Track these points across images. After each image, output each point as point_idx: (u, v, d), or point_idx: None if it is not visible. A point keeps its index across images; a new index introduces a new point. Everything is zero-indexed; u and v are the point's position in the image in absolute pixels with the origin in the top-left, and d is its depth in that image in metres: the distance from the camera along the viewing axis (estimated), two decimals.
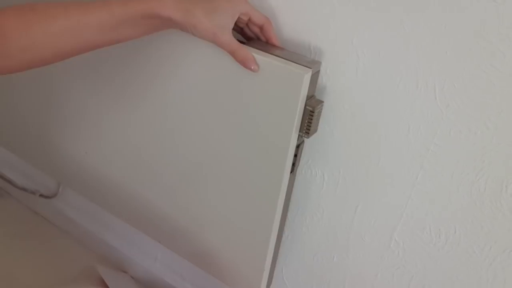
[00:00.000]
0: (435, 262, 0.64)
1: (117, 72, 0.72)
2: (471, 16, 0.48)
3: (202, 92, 0.62)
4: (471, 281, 0.62)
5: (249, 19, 0.56)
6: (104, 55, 0.71)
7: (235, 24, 0.54)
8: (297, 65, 0.53)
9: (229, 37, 0.53)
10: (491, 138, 0.52)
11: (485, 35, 0.48)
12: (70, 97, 0.82)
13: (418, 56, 0.53)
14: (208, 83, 0.61)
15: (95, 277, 1.06)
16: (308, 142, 0.66)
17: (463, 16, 0.48)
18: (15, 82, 0.90)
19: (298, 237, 0.77)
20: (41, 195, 1.24)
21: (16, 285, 1.08)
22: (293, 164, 0.62)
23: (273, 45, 0.58)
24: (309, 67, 0.53)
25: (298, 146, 0.61)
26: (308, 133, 0.58)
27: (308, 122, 0.57)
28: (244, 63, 0.54)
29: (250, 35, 0.59)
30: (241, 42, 0.55)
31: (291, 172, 0.63)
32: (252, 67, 0.54)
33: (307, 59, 0.56)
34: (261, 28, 0.57)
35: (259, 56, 0.54)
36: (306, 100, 0.56)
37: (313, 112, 0.56)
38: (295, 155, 0.61)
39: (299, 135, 0.58)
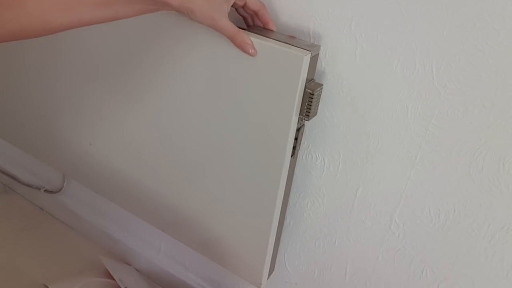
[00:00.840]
0: (435, 242, 0.65)
1: (120, 62, 0.73)
2: None
3: (203, 79, 0.63)
4: (471, 259, 0.63)
5: (245, 4, 0.57)
6: (107, 45, 0.72)
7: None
8: (297, 48, 0.54)
9: (227, 22, 0.54)
10: (488, 116, 0.53)
11: (480, 14, 0.49)
12: (73, 89, 0.83)
13: (415, 38, 0.54)
14: (209, 70, 0.62)
15: (100, 268, 1.07)
16: (308, 127, 0.67)
17: None
18: (18, 74, 0.91)
19: (299, 223, 0.79)
20: (45, 191, 1.25)
21: (23, 278, 1.09)
22: (294, 148, 0.63)
23: (271, 30, 0.59)
24: (308, 50, 0.54)
25: (298, 130, 0.62)
26: (308, 115, 0.59)
27: (308, 105, 0.58)
28: (242, 47, 0.55)
29: (247, 19, 0.60)
30: (241, 28, 0.56)
31: (292, 155, 0.64)
32: (250, 51, 0.55)
33: (306, 43, 0.57)
34: (256, 13, 0.58)
35: (259, 41, 0.55)
36: (306, 83, 0.57)
37: (312, 94, 0.57)
38: (296, 139, 0.62)
39: (299, 118, 0.60)
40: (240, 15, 0.60)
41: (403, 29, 0.54)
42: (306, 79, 0.56)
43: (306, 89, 0.57)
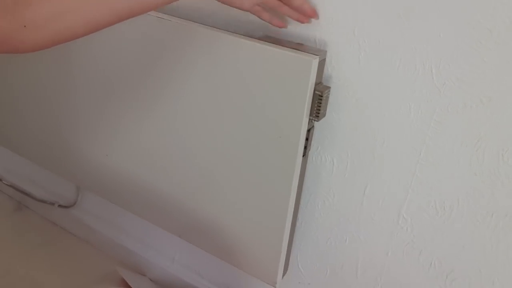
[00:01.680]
0: (441, 235, 0.68)
1: (132, 71, 0.77)
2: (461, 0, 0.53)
3: (216, 84, 0.68)
4: (477, 250, 0.66)
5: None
6: (120, 56, 0.77)
7: None
8: (306, 53, 0.59)
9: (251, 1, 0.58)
10: (486, 111, 0.57)
11: (473, 16, 0.53)
12: (88, 100, 0.87)
13: (414, 40, 0.58)
14: (222, 75, 0.66)
15: (116, 279, 1.10)
16: (317, 129, 0.71)
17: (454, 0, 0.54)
18: (32, 86, 0.95)
19: (311, 223, 0.82)
20: (59, 206, 1.29)
21: None
22: (305, 148, 0.67)
23: (281, 39, 0.63)
24: (316, 55, 0.59)
25: (309, 130, 0.66)
26: (318, 116, 0.63)
27: (318, 106, 0.62)
28: (271, 21, 0.62)
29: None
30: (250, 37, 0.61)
31: (303, 155, 0.68)
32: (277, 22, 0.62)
33: (313, 49, 0.62)
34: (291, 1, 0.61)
35: (271, 48, 0.60)
36: (315, 86, 0.61)
37: (321, 96, 0.61)
38: (307, 139, 0.66)
39: (309, 119, 0.64)
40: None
41: (402, 33, 0.59)
42: (315, 82, 0.61)
43: (316, 91, 0.61)
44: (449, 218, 0.67)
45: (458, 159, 0.62)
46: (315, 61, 0.58)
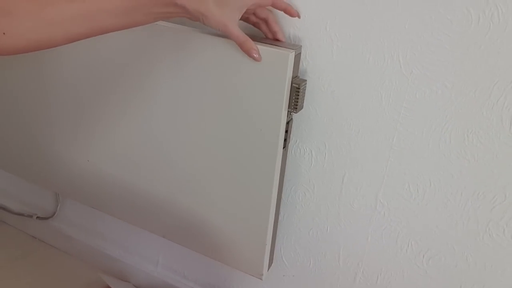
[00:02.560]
0: (416, 216, 0.73)
1: (110, 73, 0.79)
2: None
3: (196, 82, 0.70)
4: (449, 228, 0.71)
5: (254, 12, 0.63)
6: (97, 60, 0.78)
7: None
8: (282, 47, 0.62)
9: (237, 29, 0.59)
10: (450, 95, 0.62)
11: (434, 7, 0.58)
12: (67, 106, 0.87)
13: (382, 33, 0.63)
14: (201, 72, 0.69)
15: (101, 286, 1.10)
16: (295, 122, 0.74)
17: None
18: (2, 93, 0.95)
19: (293, 215, 0.85)
20: (38, 217, 1.27)
21: None
22: (285, 140, 0.70)
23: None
24: (292, 49, 0.62)
25: (288, 123, 0.69)
26: (296, 108, 0.66)
27: (295, 99, 0.65)
28: (249, 52, 0.61)
29: (260, 26, 0.66)
30: None
31: (283, 147, 0.71)
32: (255, 56, 0.61)
33: (289, 44, 0.65)
34: (265, 21, 0.65)
35: None
36: (292, 79, 0.64)
37: (299, 89, 0.65)
38: (286, 131, 0.69)
39: (288, 111, 0.67)
40: (252, 22, 0.66)
41: (371, 26, 0.63)
42: (292, 76, 0.64)
43: (293, 84, 0.64)
44: (422, 199, 0.71)
45: (428, 142, 0.66)
46: (291, 55, 0.61)
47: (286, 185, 0.82)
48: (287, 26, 0.68)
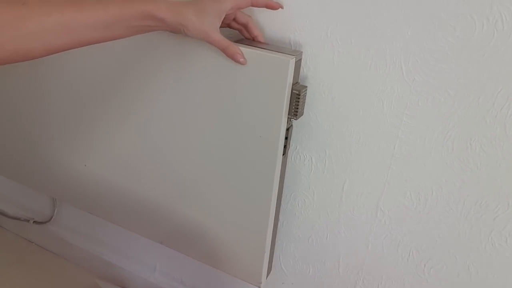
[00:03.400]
0: (417, 224, 0.71)
1: (108, 79, 0.78)
2: None
3: (195, 88, 0.69)
4: (451, 237, 0.69)
5: (234, 18, 0.64)
6: (94, 65, 0.78)
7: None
8: (282, 53, 0.61)
9: (219, 35, 0.60)
10: (453, 103, 0.61)
11: (437, 14, 0.57)
12: (64, 111, 0.86)
13: (384, 39, 0.62)
14: (201, 79, 0.68)
15: None
16: (295, 129, 0.73)
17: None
18: (2, 98, 0.94)
19: (292, 222, 0.84)
20: (35, 222, 1.26)
21: None
22: (285, 147, 0.69)
23: (259, 42, 0.66)
24: (293, 55, 0.61)
25: (288, 129, 0.68)
26: (296, 115, 0.65)
27: (296, 105, 0.64)
28: (234, 57, 0.61)
29: (241, 31, 0.66)
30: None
31: (283, 154, 0.70)
32: (241, 60, 0.61)
33: (289, 50, 0.64)
34: (245, 26, 0.65)
35: (248, 49, 0.62)
36: (292, 85, 0.63)
37: (299, 95, 0.64)
38: (286, 138, 0.68)
39: (288, 118, 0.66)
40: (234, 28, 0.67)
41: (373, 32, 0.62)
42: (292, 82, 0.63)
43: (293, 91, 0.63)
44: (424, 208, 0.70)
45: (430, 150, 0.65)
46: (292, 61, 0.60)
47: (285, 192, 0.81)
48: (288, 32, 0.67)
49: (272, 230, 0.77)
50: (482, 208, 0.65)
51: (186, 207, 0.82)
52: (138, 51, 0.72)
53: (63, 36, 0.51)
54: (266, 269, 0.81)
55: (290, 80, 0.62)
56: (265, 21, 0.68)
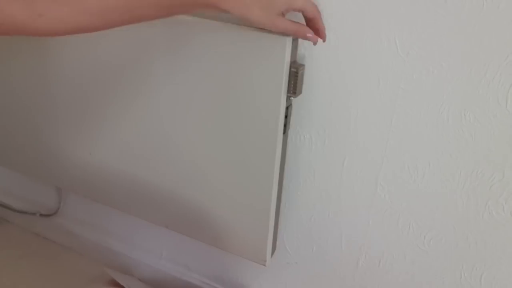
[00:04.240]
0: (416, 197, 0.73)
1: (113, 67, 0.80)
2: None
3: (196, 71, 0.71)
4: (449, 208, 0.71)
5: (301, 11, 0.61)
6: (104, 51, 0.79)
7: None
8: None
9: (285, 23, 0.58)
10: (446, 74, 0.63)
11: None
12: (69, 100, 0.88)
13: (378, 16, 0.64)
14: (201, 62, 0.70)
15: (106, 280, 1.10)
16: (294, 108, 0.75)
17: None
18: (3, 87, 0.95)
19: (294, 202, 0.86)
20: (41, 215, 1.28)
21: None
22: (285, 126, 0.71)
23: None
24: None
25: (287, 108, 0.70)
26: (295, 93, 0.67)
27: (294, 83, 0.66)
28: (306, 39, 0.61)
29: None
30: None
31: (283, 133, 0.72)
32: (309, 35, 0.60)
33: None
34: (311, 20, 0.62)
35: (246, 30, 0.64)
36: (290, 63, 0.65)
37: (297, 73, 0.65)
38: (286, 117, 0.70)
39: (287, 96, 0.68)
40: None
41: (367, 10, 0.64)
42: (290, 60, 0.65)
43: (291, 69, 0.65)
44: (422, 180, 0.72)
45: (426, 122, 0.67)
46: (289, 40, 0.62)
47: (286, 171, 0.83)
48: None
49: (275, 209, 0.79)
50: (478, 178, 0.67)
51: (189, 189, 0.83)
52: (143, 40, 0.74)
53: (125, 14, 0.51)
54: (271, 248, 0.83)
55: (288, 58, 0.64)
56: None
